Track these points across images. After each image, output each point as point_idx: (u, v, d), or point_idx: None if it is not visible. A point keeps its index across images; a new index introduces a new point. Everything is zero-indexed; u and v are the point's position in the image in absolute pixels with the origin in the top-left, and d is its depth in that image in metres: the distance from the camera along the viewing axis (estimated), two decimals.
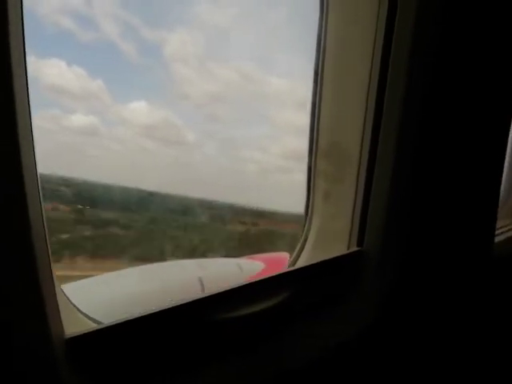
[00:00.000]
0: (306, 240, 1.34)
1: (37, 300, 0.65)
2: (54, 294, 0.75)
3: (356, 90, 1.16)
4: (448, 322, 1.31)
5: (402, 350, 1.28)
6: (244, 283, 0.99)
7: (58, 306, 0.76)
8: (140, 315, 0.79)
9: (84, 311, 1.74)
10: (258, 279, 1.02)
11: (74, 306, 0.96)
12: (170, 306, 0.83)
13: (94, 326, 0.78)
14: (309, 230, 1.34)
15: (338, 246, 1.26)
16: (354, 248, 1.22)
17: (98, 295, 1.98)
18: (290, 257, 1.68)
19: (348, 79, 1.17)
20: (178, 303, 0.83)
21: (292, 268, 1.17)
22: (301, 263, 1.34)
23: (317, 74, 1.21)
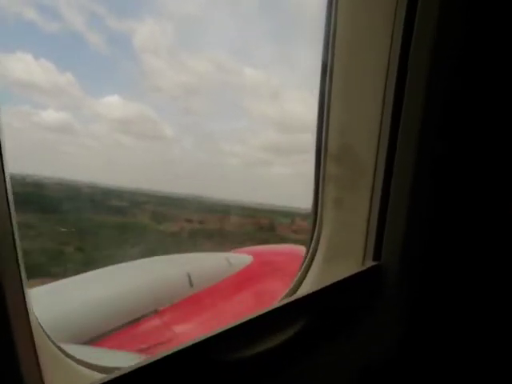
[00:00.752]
0: (314, 252, 1.25)
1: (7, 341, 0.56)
2: (30, 334, 0.66)
3: (372, 86, 1.08)
4: (474, 337, 1.26)
5: (429, 369, 1.21)
6: (256, 315, 0.87)
7: (34, 348, 0.66)
8: (143, 364, 0.68)
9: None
10: (270, 308, 0.91)
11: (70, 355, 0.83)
12: (176, 350, 0.72)
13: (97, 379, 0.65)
14: (317, 241, 1.24)
15: (352, 260, 1.18)
16: (371, 262, 1.13)
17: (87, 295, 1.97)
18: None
19: (363, 74, 1.10)
20: (185, 345, 0.73)
21: (306, 293, 1.05)
22: (310, 279, 1.25)
23: (325, 67, 1.13)
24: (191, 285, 2.07)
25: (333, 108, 1.12)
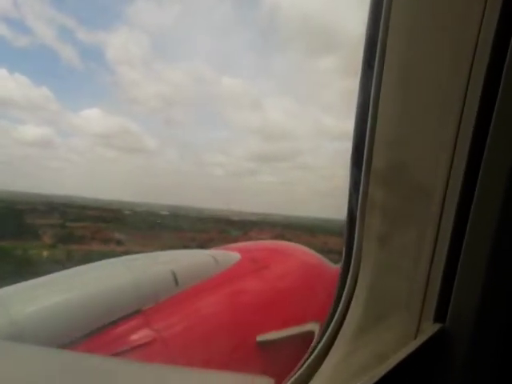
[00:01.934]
0: (346, 309, 0.91)
1: None
2: None
3: (445, 80, 0.80)
4: None
5: None
6: None
7: None
8: None
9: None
10: None
11: None
12: None
13: None
14: (351, 291, 0.92)
15: (403, 318, 0.89)
16: (431, 325, 0.86)
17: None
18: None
19: (429, 64, 0.81)
20: None
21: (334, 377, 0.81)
22: (338, 351, 0.90)
23: (368, 65, 0.85)
24: (176, 283, 1.98)
25: (381, 114, 0.84)
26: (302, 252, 2.41)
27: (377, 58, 0.82)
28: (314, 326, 1.90)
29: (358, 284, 0.91)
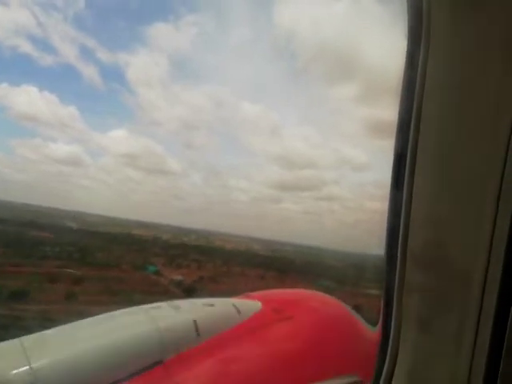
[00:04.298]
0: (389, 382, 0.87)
1: None
2: None
3: (480, 165, 0.77)
4: None
5: None
6: None
7: None
8: None
9: None
10: None
11: None
12: None
13: None
14: (392, 368, 0.87)
15: None
16: None
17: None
18: None
19: (472, 133, 0.77)
20: None
21: None
22: None
23: (403, 126, 0.81)
24: (198, 333, 1.96)
25: (416, 190, 0.81)
26: (324, 301, 2.36)
27: (410, 140, 0.80)
28: (347, 380, 1.84)
29: (396, 368, 0.88)
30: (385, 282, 0.89)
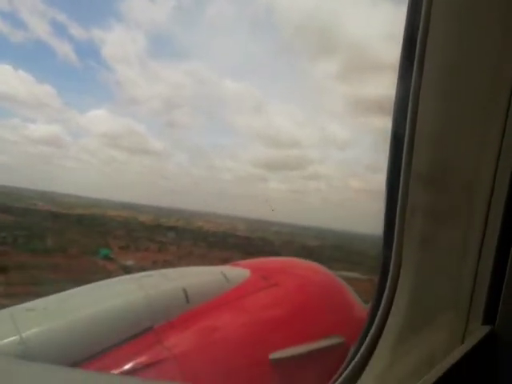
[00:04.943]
0: (388, 307, 0.89)
1: None
2: None
3: (487, 82, 0.77)
4: None
5: None
6: None
7: None
8: None
9: None
10: None
11: None
12: None
13: None
14: (392, 291, 0.89)
15: (449, 320, 0.85)
16: (480, 327, 0.81)
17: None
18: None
19: (471, 69, 0.78)
20: None
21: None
22: (381, 354, 0.86)
23: (407, 61, 0.81)
24: (187, 301, 1.98)
25: (422, 108, 0.80)
26: (312, 268, 2.41)
27: (417, 55, 0.79)
28: (331, 341, 1.90)
29: (398, 287, 0.88)
30: (387, 202, 0.89)
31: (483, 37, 0.77)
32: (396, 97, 0.85)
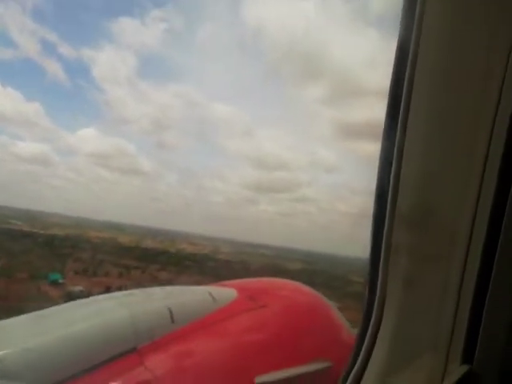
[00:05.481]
0: (372, 344, 0.91)
1: None
2: None
3: (468, 128, 0.81)
4: None
5: None
6: None
7: None
8: None
9: None
10: None
11: None
12: None
13: None
14: (375, 329, 0.91)
15: (429, 360, 0.87)
16: (458, 367, 0.83)
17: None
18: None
19: (457, 103, 0.82)
20: None
21: None
22: (372, 379, 0.89)
23: (393, 106, 0.85)
24: (172, 320, 1.94)
25: (408, 153, 0.84)
26: (299, 290, 2.39)
27: (403, 101, 0.83)
28: (318, 365, 1.87)
29: (382, 326, 0.91)
30: (372, 242, 0.92)
31: (463, 91, 0.82)
32: (382, 143, 0.88)
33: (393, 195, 0.86)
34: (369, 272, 0.93)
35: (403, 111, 0.83)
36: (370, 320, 0.92)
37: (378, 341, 0.90)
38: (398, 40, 0.84)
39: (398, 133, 0.84)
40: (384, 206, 0.88)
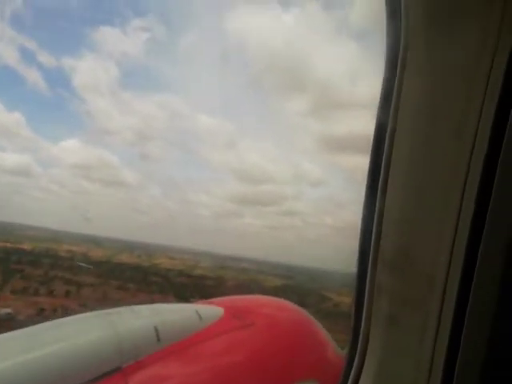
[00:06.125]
0: (358, 378, 0.97)
1: None
2: None
3: (447, 171, 0.86)
4: None
5: None
6: None
7: None
8: None
9: None
10: None
11: None
12: None
13: None
14: (359, 366, 0.97)
15: None
16: None
17: None
18: None
19: (435, 161, 0.87)
20: None
21: None
22: None
23: (379, 139, 0.91)
24: (158, 339, 1.92)
25: (391, 198, 0.90)
26: (285, 308, 2.39)
27: (384, 155, 0.89)
28: None
29: (365, 363, 0.97)
30: (357, 282, 0.99)
31: (439, 146, 0.88)
32: (366, 193, 0.96)
33: (376, 240, 0.92)
34: (354, 310, 1.00)
35: (384, 167, 0.90)
36: (355, 356, 0.98)
37: (361, 378, 0.97)
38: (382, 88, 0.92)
39: (381, 181, 0.91)
40: (368, 249, 0.94)
